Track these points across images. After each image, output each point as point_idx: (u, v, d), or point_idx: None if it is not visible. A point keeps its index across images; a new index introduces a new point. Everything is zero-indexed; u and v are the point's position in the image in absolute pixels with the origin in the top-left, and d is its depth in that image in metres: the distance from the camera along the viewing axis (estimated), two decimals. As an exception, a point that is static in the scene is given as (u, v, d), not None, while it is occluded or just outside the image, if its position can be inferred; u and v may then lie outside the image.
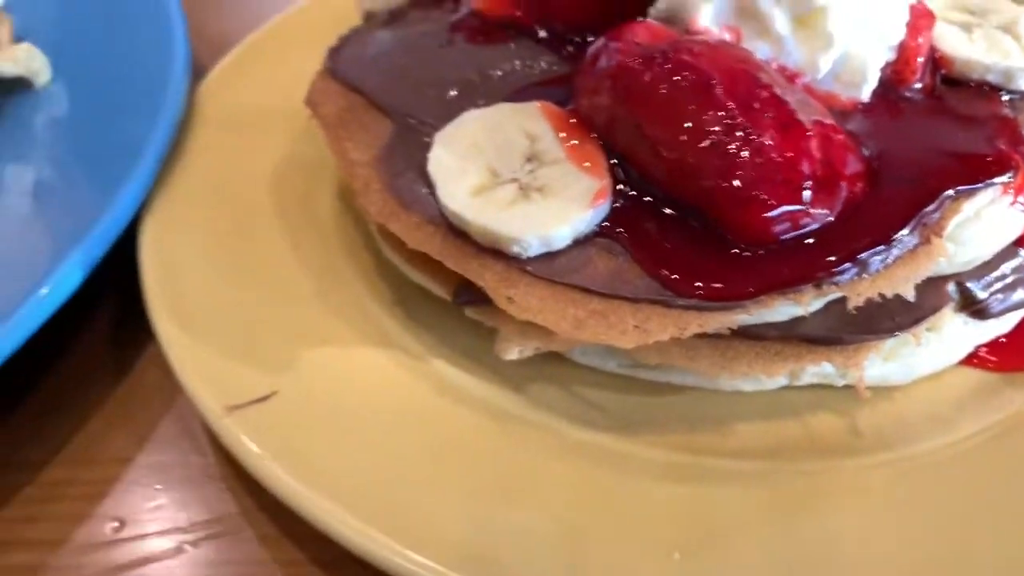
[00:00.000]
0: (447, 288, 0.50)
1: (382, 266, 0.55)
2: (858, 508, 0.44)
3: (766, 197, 0.42)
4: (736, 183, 0.42)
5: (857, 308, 0.43)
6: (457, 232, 0.46)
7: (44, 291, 0.49)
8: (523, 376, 0.49)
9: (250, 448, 0.44)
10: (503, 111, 0.49)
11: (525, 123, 0.48)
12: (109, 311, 0.59)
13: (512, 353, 0.47)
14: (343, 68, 0.56)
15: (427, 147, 0.50)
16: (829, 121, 0.45)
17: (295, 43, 0.71)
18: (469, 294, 0.49)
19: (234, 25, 0.76)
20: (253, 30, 0.72)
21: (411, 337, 0.51)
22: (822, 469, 0.46)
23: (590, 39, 0.54)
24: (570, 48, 0.54)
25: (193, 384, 0.46)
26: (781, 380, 0.47)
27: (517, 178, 0.46)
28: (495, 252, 0.45)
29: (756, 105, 0.43)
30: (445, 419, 0.47)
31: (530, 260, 0.44)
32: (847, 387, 0.48)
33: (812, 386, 0.49)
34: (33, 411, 0.53)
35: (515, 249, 0.44)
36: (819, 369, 0.47)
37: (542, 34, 0.56)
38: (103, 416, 0.53)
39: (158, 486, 0.49)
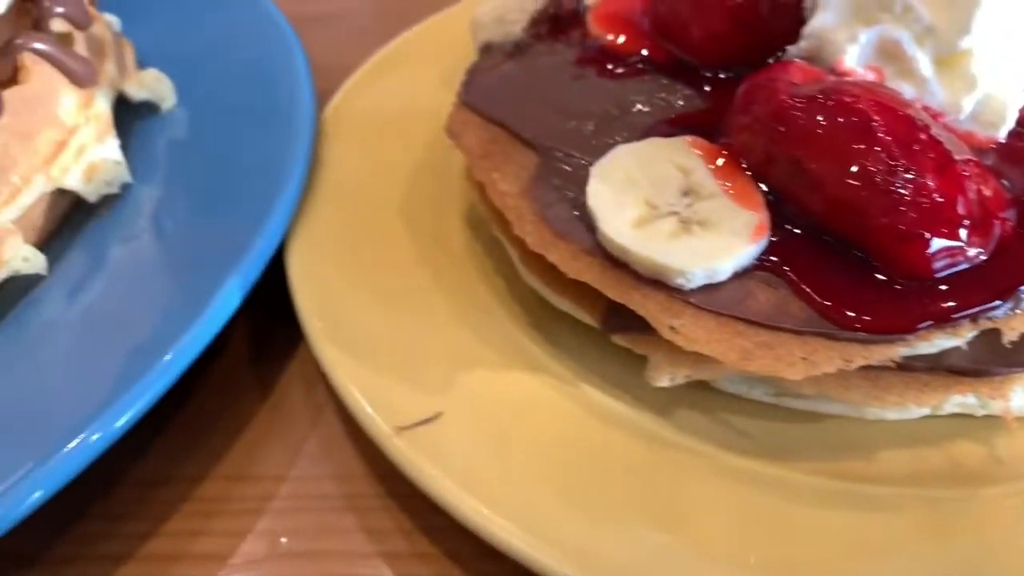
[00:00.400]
0: (593, 315, 0.52)
1: (516, 290, 0.57)
2: (1000, 536, 0.46)
3: (929, 235, 0.44)
4: (901, 221, 0.43)
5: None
6: (615, 262, 0.48)
7: (207, 316, 0.50)
8: (667, 402, 0.51)
9: (424, 467, 0.46)
10: (654, 145, 0.51)
11: (676, 157, 0.50)
12: (245, 328, 0.61)
13: (663, 380, 0.49)
14: (480, 100, 0.58)
15: (575, 178, 0.52)
16: (977, 160, 0.47)
17: (409, 69, 0.73)
18: (618, 322, 0.50)
19: (332, 52, 0.78)
20: (356, 58, 0.74)
21: (555, 361, 0.53)
22: (964, 496, 0.47)
23: (723, 75, 0.56)
24: (705, 83, 0.56)
25: (361, 406, 0.48)
26: (926, 410, 0.49)
27: (676, 211, 0.48)
28: (655, 282, 0.47)
29: (916, 147, 0.44)
30: (598, 442, 0.49)
31: (693, 292, 0.46)
32: (987, 416, 0.50)
33: (952, 415, 0.50)
34: (184, 427, 0.55)
35: (679, 281, 0.46)
36: (963, 399, 0.49)
37: (674, 68, 0.58)
38: (251, 433, 0.54)
39: (314, 503, 0.51)
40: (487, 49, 0.68)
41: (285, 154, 0.62)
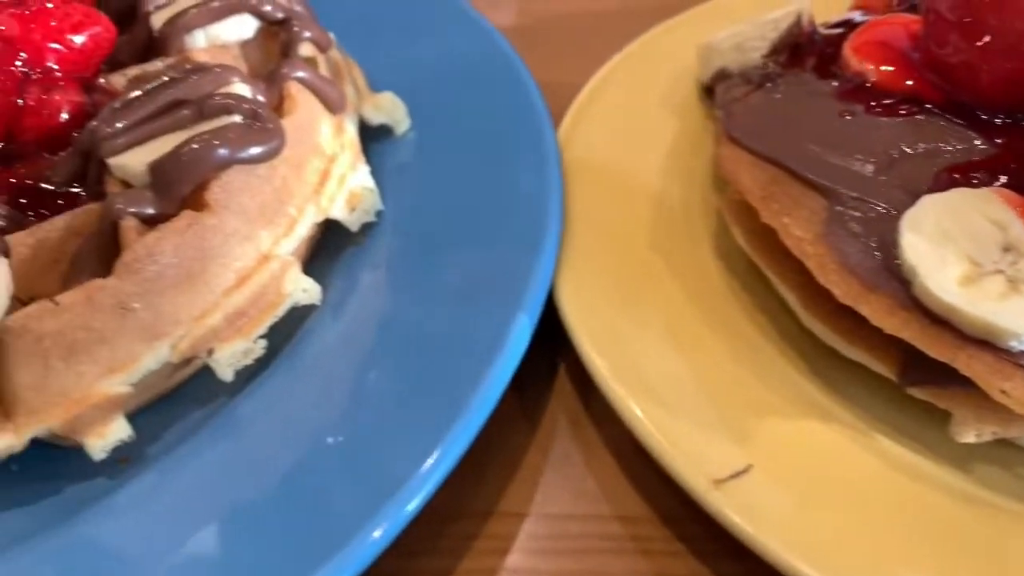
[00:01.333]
0: (887, 365, 0.51)
1: (783, 330, 0.57)
2: None
3: None
4: None
5: None
6: (934, 318, 0.47)
7: (503, 356, 0.51)
8: (963, 455, 0.50)
9: (746, 521, 0.46)
10: (963, 196, 0.50)
11: (987, 210, 0.49)
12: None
13: (968, 436, 0.48)
14: (749, 137, 0.58)
15: (872, 224, 0.51)
16: None
17: (624, 91, 0.73)
18: (917, 375, 0.50)
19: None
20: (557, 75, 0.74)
21: (842, 408, 0.52)
22: None
23: (1010, 119, 0.55)
24: (987, 126, 0.55)
25: (673, 455, 0.48)
26: None
27: (1001, 269, 0.47)
28: (981, 342, 0.46)
29: None
30: (906, 496, 0.48)
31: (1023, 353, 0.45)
32: None
33: None
34: (464, 461, 0.55)
35: (1012, 342, 0.45)
36: None
37: (949, 108, 0.56)
38: (528, 470, 0.55)
39: (602, 543, 0.51)
40: (722, 76, 0.68)
41: (540, 182, 0.61)
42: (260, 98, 0.58)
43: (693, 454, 0.48)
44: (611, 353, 0.53)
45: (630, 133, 0.70)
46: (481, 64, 0.72)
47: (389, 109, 0.68)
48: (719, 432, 0.50)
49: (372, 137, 0.68)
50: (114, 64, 0.64)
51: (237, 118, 0.54)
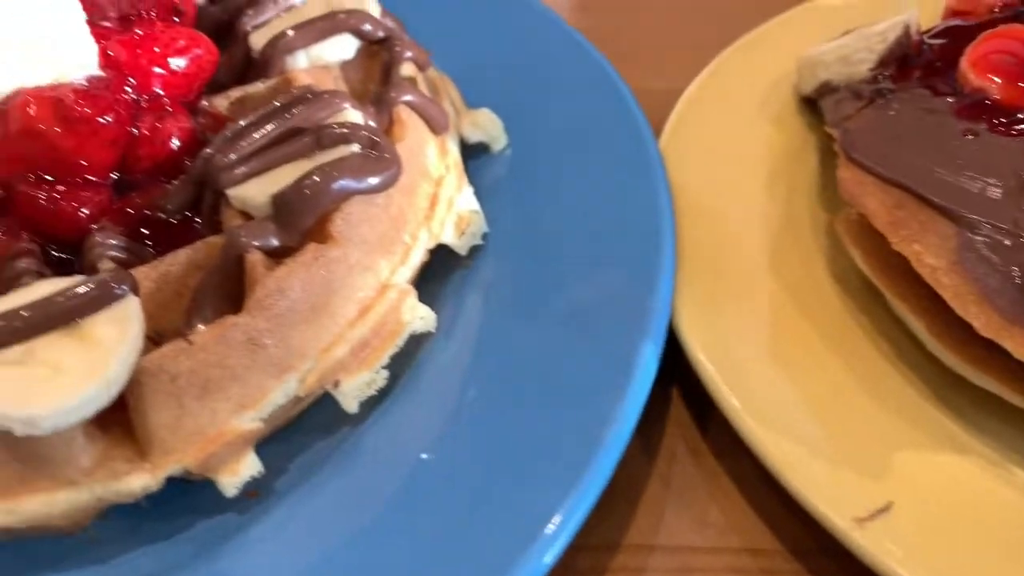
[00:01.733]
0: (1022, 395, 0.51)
1: (906, 356, 0.56)
2: None
3: None
4: None
5: None
6: (1085, 354, 0.46)
7: (632, 391, 0.50)
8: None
9: (894, 561, 0.45)
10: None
11: None
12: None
13: (1113, 469, 0.48)
14: (872, 158, 0.56)
15: (1008, 253, 0.50)
16: None
17: (727, 100, 0.71)
18: (1058, 406, 0.49)
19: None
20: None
21: (974, 440, 0.51)
22: None
23: None
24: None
25: (815, 496, 0.47)
26: None
27: None
28: None
29: None
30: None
31: None
32: None
33: None
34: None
35: None
36: None
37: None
38: (649, 502, 0.54)
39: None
40: (827, 90, 0.67)
41: (649, 200, 0.60)
42: (372, 123, 0.57)
43: (833, 491, 0.48)
44: (736, 384, 0.53)
45: (727, 145, 0.69)
46: (572, 73, 0.71)
47: (487, 126, 0.67)
48: (855, 467, 0.49)
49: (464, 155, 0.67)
50: (212, 84, 0.63)
51: (356, 147, 0.53)
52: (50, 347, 0.45)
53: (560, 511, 0.45)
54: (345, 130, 0.54)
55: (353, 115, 0.56)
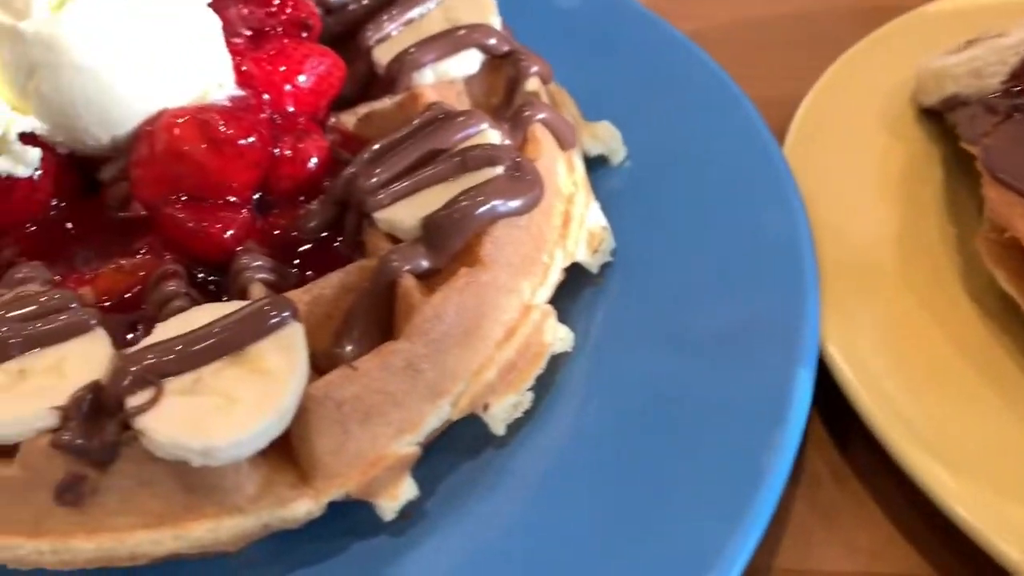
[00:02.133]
0: None
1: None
2: None
3: None
4: None
5: None
6: None
7: (791, 420, 0.50)
8: None
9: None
10: None
11: None
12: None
13: None
14: (1021, 180, 0.56)
15: None
16: None
17: (844, 109, 0.70)
18: None
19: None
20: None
21: None
22: None
23: None
24: None
25: (986, 529, 0.47)
26: None
27: None
28: None
29: None
30: None
31: None
32: None
33: None
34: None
35: None
36: None
37: None
38: (796, 526, 0.54)
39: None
40: (956, 103, 0.66)
41: (784, 216, 0.60)
42: (508, 142, 0.57)
43: (1004, 524, 0.47)
44: (893, 413, 0.52)
45: (847, 157, 0.68)
46: (687, 82, 0.71)
47: (606, 138, 0.67)
48: (1021, 497, 0.48)
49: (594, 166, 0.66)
50: (336, 99, 0.63)
51: (500, 169, 0.53)
52: (219, 376, 0.45)
53: (730, 544, 0.45)
54: (491, 152, 0.53)
55: (492, 135, 0.56)
